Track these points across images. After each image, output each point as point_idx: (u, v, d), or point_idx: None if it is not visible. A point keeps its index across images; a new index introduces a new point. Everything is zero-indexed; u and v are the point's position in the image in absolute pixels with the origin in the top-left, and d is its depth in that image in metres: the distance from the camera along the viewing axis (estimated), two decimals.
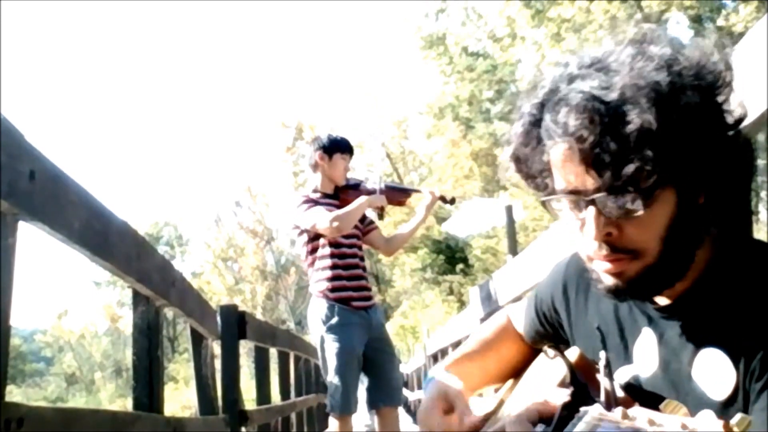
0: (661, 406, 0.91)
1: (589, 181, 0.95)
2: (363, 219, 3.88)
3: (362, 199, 3.73)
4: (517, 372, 1.34)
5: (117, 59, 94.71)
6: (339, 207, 3.77)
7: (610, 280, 1.01)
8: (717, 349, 0.98)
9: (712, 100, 0.95)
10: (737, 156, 0.98)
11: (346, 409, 3.71)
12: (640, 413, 0.82)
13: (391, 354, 3.92)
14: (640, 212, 0.94)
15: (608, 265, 0.99)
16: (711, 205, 0.99)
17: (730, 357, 0.97)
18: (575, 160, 0.94)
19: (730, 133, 0.97)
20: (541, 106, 0.99)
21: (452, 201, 4.25)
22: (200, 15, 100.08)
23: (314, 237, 3.76)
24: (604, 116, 0.91)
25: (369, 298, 3.83)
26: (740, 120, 0.98)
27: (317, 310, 3.77)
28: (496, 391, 1.38)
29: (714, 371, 0.98)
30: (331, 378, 3.72)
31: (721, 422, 0.79)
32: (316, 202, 3.74)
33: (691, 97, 0.92)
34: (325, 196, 3.82)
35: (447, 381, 1.23)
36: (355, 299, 3.74)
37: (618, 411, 0.83)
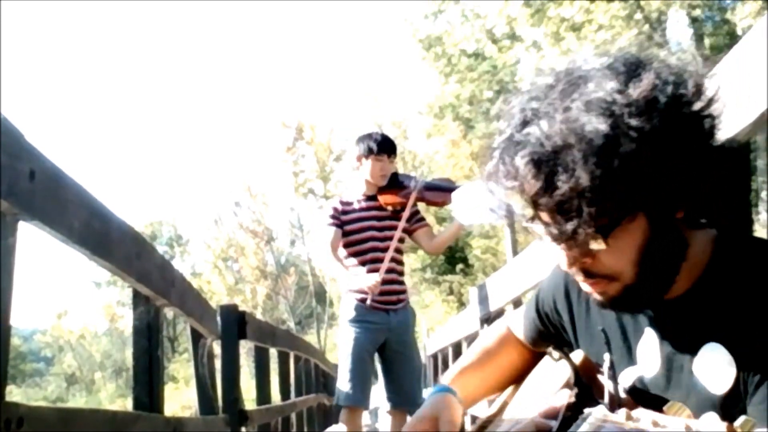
0: (665, 408, 0.92)
1: (553, 223, 0.98)
2: (411, 217, 3.84)
3: (345, 275, 3.70)
4: (517, 380, 1.35)
5: (117, 59, 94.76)
6: (378, 208, 3.81)
7: (596, 297, 1.05)
8: (717, 345, 0.99)
9: (667, 129, 0.93)
10: (712, 165, 0.97)
11: (349, 401, 3.73)
12: (643, 415, 0.83)
13: (408, 357, 3.89)
14: (603, 246, 0.96)
15: (588, 288, 1.04)
16: (693, 214, 1.00)
17: (730, 351, 0.98)
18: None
19: (699, 148, 0.96)
20: (502, 150, 1.01)
21: None
22: (200, 15, 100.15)
23: (343, 240, 3.79)
24: (545, 168, 0.94)
25: (392, 302, 3.77)
26: (710, 132, 0.97)
27: (342, 306, 3.88)
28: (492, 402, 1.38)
29: (714, 366, 0.99)
30: (339, 370, 3.81)
31: (725, 424, 0.79)
32: (340, 215, 3.78)
33: (630, 144, 0.91)
34: (367, 198, 3.84)
35: (445, 403, 1.22)
36: (375, 300, 3.73)
37: (622, 413, 0.83)
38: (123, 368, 36.90)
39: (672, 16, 12.93)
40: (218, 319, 4.16)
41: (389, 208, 3.83)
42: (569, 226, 0.95)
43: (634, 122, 0.91)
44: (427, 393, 1.29)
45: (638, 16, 11.99)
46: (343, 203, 3.85)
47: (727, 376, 0.98)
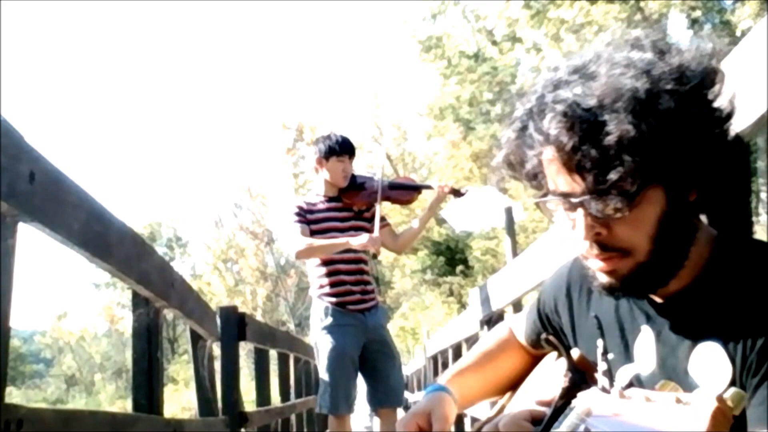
0: (657, 387, 0.92)
1: (576, 184, 0.98)
2: (372, 218, 3.82)
3: (341, 240, 3.65)
4: (517, 384, 1.35)
5: (117, 59, 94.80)
6: (342, 209, 3.78)
7: (604, 278, 1.03)
8: (713, 344, 0.99)
9: (696, 101, 0.96)
10: (726, 152, 0.99)
11: (333, 408, 3.70)
12: (636, 393, 0.83)
13: (390, 355, 3.87)
14: (626, 213, 0.97)
15: (601, 264, 1.02)
16: (703, 201, 1.01)
17: (726, 351, 0.98)
18: (559, 164, 0.98)
19: (719, 130, 0.98)
20: (530, 112, 1.01)
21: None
22: (201, 15, 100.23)
23: None
24: (582, 123, 0.94)
25: (365, 301, 3.77)
26: (729, 116, 0.99)
27: (314, 311, 3.82)
28: (494, 403, 1.38)
29: (710, 366, 1.00)
30: (321, 377, 3.76)
31: (714, 396, 0.79)
32: (305, 213, 3.73)
33: (669, 102, 0.93)
34: (329, 199, 3.81)
35: (438, 400, 1.22)
36: (349, 302, 3.73)
37: (615, 391, 0.84)
38: (123, 370, 36.90)
39: (672, 18, 12.94)
40: (218, 320, 4.16)
41: (355, 208, 3.81)
42: (605, 178, 0.94)
43: (670, 86, 0.94)
44: (421, 394, 1.29)
45: (638, 17, 11.99)
46: (307, 204, 3.81)
47: (723, 375, 0.98)
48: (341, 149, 3.77)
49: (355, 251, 3.74)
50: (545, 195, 1.03)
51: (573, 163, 0.96)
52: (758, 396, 0.94)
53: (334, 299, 3.73)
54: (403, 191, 3.97)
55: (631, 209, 0.96)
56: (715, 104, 0.98)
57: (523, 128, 1.02)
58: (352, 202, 3.81)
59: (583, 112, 0.94)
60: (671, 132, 0.93)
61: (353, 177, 3.84)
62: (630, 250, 1.00)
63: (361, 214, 3.84)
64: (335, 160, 3.76)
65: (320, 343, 3.74)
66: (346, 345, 3.69)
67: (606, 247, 1.00)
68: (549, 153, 0.99)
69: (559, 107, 0.96)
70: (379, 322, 3.85)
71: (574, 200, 0.98)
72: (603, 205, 0.96)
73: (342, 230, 3.76)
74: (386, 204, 3.96)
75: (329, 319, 3.71)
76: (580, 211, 0.99)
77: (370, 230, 3.77)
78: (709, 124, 0.97)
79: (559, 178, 1.00)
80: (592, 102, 0.94)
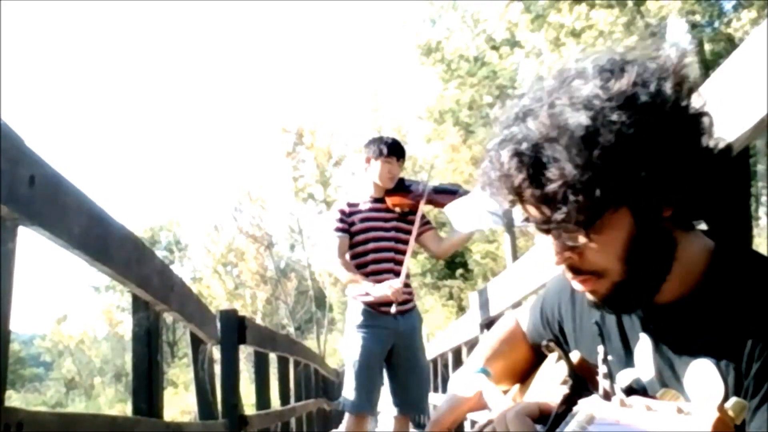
0: (658, 395, 0.92)
1: (538, 214, 1.00)
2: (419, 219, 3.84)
3: (366, 284, 3.69)
4: (525, 375, 1.35)
5: (117, 63, 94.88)
6: (386, 210, 3.82)
7: (588, 296, 1.05)
8: (707, 361, 0.99)
9: (646, 125, 0.93)
10: (699, 163, 0.97)
11: (355, 407, 3.74)
12: (637, 401, 0.83)
13: (416, 363, 3.86)
14: (589, 240, 0.98)
15: (580, 285, 1.04)
16: (682, 214, 1.00)
17: (719, 371, 0.97)
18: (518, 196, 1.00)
19: (683, 143, 0.96)
20: (497, 144, 1.02)
21: None
22: (201, 19, 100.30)
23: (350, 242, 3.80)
24: (529, 161, 0.96)
25: (399, 303, 3.75)
26: (695, 127, 0.97)
27: (348, 312, 3.87)
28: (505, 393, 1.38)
29: (703, 383, 0.99)
30: (346, 376, 3.80)
31: (715, 406, 0.79)
32: (347, 216, 3.77)
33: (610, 136, 0.92)
34: (374, 200, 3.85)
35: (486, 382, 1.24)
36: (382, 303, 3.73)
37: (616, 400, 0.84)
38: (122, 373, 36.90)
39: (672, 22, 12.95)
40: (218, 323, 4.15)
41: (397, 210, 3.85)
42: (553, 217, 0.96)
43: (613, 116, 0.93)
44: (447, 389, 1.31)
45: (639, 22, 12.00)
46: (350, 205, 3.86)
47: (716, 395, 0.97)
48: (389, 151, 3.82)
49: (389, 251, 3.77)
50: (526, 220, 1.04)
51: (524, 199, 0.99)
52: (757, 420, 0.94)
53: (364, 300, 3.75)
54: (448, 195, 3.94)
55: (593, 235, 0.97)
56: (675, 121, 0.95)
57: (491, 158, 1.03)
58: (396, 203, 3.84)
59: (530, 149, 0.96)
60: (618, 163, 0.92)
61: (401, 180, 3.89)
62: (602, 272, 1.01)
63: (406, 217, 3.86)
64: (383, 161, 3.81)
65: (349, 342, 3.78)
66: (373, 346, 3.73)
67: (579, 270, 1.02)
68: (515, 182, 1.00)
69: (510, 146, 0.98)
70: (412, 326, 3.84)
71: (541, 226, 1.00)
72: (561, 234, 0.98)
73: (385, 230, 3.81)
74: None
75: (360, 319, 3.76)
76: (549, 237, 1.01)
77: (412, 233, 3.82)
78: (668, 143, 0.94)
79: (525, 206, 1.02)
80: (536, 139, 0.96)
